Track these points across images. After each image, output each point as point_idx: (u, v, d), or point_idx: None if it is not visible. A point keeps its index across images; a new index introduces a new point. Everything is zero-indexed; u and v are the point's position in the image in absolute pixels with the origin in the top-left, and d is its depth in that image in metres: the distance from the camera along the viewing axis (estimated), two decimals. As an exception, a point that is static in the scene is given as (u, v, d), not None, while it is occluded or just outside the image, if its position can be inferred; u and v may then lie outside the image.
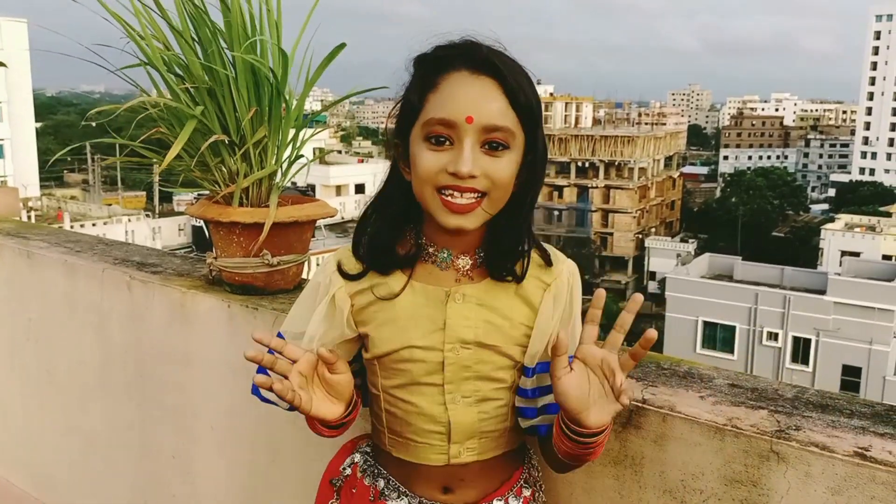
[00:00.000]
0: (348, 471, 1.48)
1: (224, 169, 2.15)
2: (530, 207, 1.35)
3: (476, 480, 1.39)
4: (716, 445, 1.41)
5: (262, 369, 1.33)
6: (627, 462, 1.52)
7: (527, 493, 1.45)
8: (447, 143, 1.23)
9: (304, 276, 2.29)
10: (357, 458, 1.48)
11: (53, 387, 2.85)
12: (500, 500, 1.40)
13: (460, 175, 1.21)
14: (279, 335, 1.42)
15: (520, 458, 1.46)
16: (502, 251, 1.33)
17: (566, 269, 1.39)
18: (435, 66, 1.26)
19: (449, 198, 1.23)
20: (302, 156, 2.22)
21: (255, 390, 1.44)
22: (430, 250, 1.34)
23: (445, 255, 1.34)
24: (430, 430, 1.35)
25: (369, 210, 1.38)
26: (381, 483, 1.41)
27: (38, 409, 2.96)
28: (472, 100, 1.22)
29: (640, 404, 1.49)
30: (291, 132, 2.19)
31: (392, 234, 1.34)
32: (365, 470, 1.45)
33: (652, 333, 1.15)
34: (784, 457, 1.34)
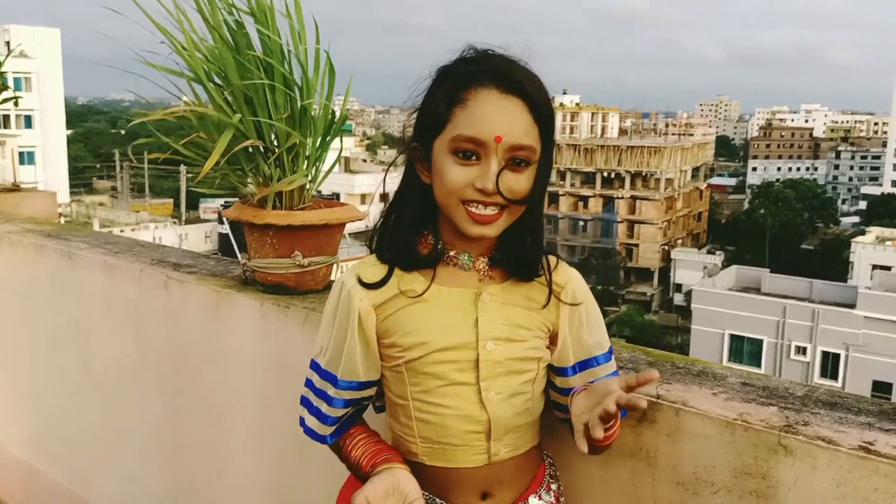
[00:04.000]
0: None
1: (259, 174, 2.25)
2: (540, 210, 1.42)
3: (511, 480, 1.44)
4: (726, 439, 1.47)
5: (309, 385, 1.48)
6: (642, 455, 1.58)
7: (554, 487, 1.52)
8: (474, 157, 1.30)
9: (332, 277, 2.38)
10: None
11: (91, 383, 2.96)
12: (535, 496, 1.46)
13: (487, 192, 1.29)
14: (313, 362, 1.48)
15: (540, 455, 1.53)
16: (518, 252, 1.41)
17: (574, 274, 1.49)
18: (462, 80, 1.31)
19: (474, 209, 1.31)
20: (339, 150, 2.31)
21: (302, 421, 1.52)
22: (452, 253, 1.40)
23: (467, 258, 1.41)
24: (469, 430, 1.39)
25: (389, 212, 1.43)
26: None
27: (75, 405, 3.07)
28: (501, 120, 1.28)
29: (654, 399, 1.56)
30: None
31: (412, 233, 1.39)
32: None
33: (653, 375, 1.23)
34: (791, 450, 1.40)
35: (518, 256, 1.41)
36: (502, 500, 1.43)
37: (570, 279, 1.47)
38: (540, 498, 1.47)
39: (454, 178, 1.30)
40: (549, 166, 1.38)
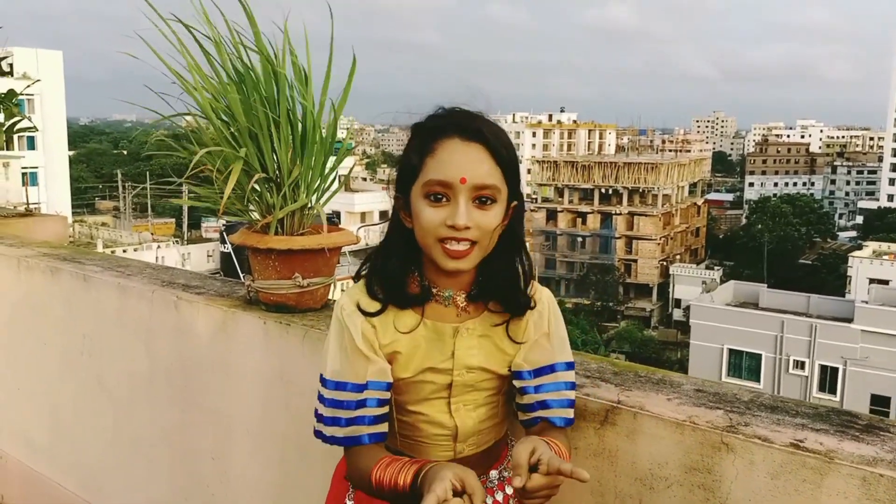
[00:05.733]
0: None
1: (262, 202, 2.46)
2: (521, 247, 1.63)
3: (475, 465, 1.63)
4: (677, 439, 1.67)
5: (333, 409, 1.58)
6: (605, 454, 1.77)
7: None
8: (444, 199, 1.50)
9: (329, 296, 2.58)
10: None
11: (104, 396, 3.15)
12: (496, 471, 1.69)
13: (457, 227, 1.49)
14: (321, 377, 1.61)
15: (505, 442, 1.75)
16: (497, 289, 1.61)
17: (545, 296, 1.68)
18: (431, 133, 1.53)
19: (449, 245, 1.51)
20: (342, 176, 2.51)
21: (319, 434, 1.62)
22: (434, 291, 1.61)
23: (447, 294, 1.62)
24: (438, 433, 1.63)
25: (378, 252, 1.64)
26: None
27: (88, 417, 3.27)
28: (464, 163, 1.49)
29: (615, 405, 1.76)
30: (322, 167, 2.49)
31: (402, 273, 1.59)
32: None
33: (583, 476, 1.37)
34: (732, 447, 1.60)
35: (493, 293, 1.61)
36: None
37: (539, 301, 1.66)
38: (500, 474, 1.69)
39: (428, 219, 1.51)
40: (521, 211, 1.59)
